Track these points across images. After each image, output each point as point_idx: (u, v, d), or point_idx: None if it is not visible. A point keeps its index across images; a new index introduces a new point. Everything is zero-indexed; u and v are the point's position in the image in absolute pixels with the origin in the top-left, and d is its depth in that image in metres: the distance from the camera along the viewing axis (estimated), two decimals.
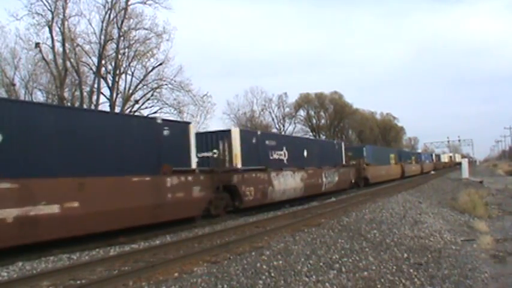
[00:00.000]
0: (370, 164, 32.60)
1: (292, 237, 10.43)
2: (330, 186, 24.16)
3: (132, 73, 33.89)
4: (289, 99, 68.62)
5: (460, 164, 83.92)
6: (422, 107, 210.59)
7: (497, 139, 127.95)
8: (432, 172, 57.93)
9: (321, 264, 8.57)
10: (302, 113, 73.03)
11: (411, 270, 9.26)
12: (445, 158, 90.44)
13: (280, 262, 8.29)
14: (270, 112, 65.88)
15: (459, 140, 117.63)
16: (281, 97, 67.05)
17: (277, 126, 66.51)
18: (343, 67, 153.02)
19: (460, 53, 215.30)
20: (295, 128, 69.75)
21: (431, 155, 73.74)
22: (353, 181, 28.92)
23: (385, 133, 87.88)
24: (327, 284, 7.60)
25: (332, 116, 74.74)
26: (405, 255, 10.34)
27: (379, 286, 8.09)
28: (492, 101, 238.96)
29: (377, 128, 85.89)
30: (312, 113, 74.33)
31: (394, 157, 41.38)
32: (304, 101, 72.10)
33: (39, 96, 33.00)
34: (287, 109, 68.94)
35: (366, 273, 8.55)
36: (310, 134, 71.31)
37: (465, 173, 41.44)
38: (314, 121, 74.54)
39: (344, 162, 27.33)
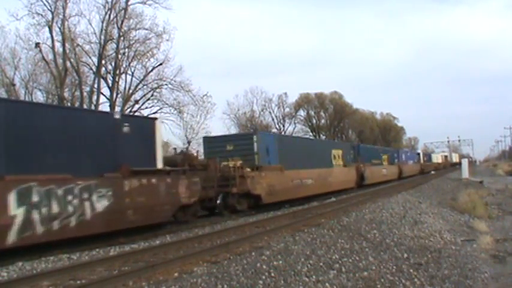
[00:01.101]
0: (267, 167, 18.10)
1: (292, 237, 10.43)
2: (61, 227, 10.03)
3: (132, 73, 33.90)
4: (289, 99, 68.60)
5: (456, 164, 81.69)
6: (422, 107, 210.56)
7: (497, 139, 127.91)
8: (432, 172, 57.44)
9: (321, 264, 8.57)
10: (302, 113, 73.04)
11: (411, 270, 9.26)
12: (437, 158, 76.79)
13: (280, 262, 8.29)
14: (270, 112, 65.81)
15: (459, 140, 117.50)
16: (281, 97, 67.02)
17: (277, 126, 66.53)
18: (343, 67, 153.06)
19: (460, 53, 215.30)
20: (295, 128, 69.78)
21: (419, 154, 60.23)
22: (211, 204, 15.62)
23: (385, 133, 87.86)
24: (327, 284, 7.60)
25: (332, 116, 74.71)
26: (405, 255, 10.35)
27: (379, 286, 8.09)
28: (492, 101, 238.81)
29: (377, 128, 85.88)
30: (312, 113, 74.32)
31: (340, 155, 26.81)
32: (304, 101, 72.07)
33: (39, 96, 33.06)
34: (287, 109, 68.92)
35: (366, 273, 8.55)
36: (310, 134, 71.34)
37: (465, 173, 41.47)
38: (314, 121, 74.51)
39: (160, 165, 13.17)
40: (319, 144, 29.41)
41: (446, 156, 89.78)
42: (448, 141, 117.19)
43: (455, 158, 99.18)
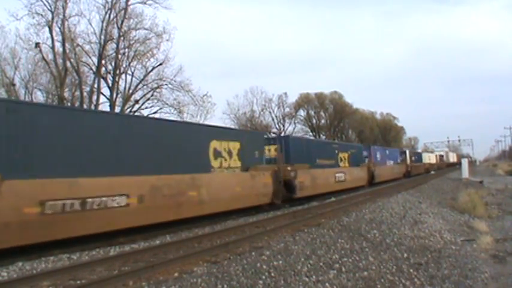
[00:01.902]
0: None
1: (292, 237, 10.44)
2: None
3: (132, 73, 33.96)
4: (289, 99, 68.65)
5: (456, 164, 78.92)
6: (422, 107, 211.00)
7: (497, 139, 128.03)
8: (432, 172, 57.02)
9: (321, 264, 8.57)
10: (302, 113, 73.13)
11: (411, 270, 9.26)
12: (430, 158, 64.12)
13: (280, 262, 8.29)
14: (270, 112, 65.86)
15: (459, 140, 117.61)
16: (281, 97, 67.06)
17: (277, 126, 66.57)
18: (343, 67, 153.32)
19: (460, 53, 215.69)
20: (295, 128, 69.78)
21: (405, 152, 47.83)
22: None
23: (385, 133, 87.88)
24: (327, 284, 7.60)
25: (332, 116, 74.75)
26: (405, 255, 10.35)
27: (379, 286, 8.09)
28: (492, 101, 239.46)
29: (377, 128, 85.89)
30: (312, 113, 74.39)
31: (236, 152, 16.20)
32: (304, 101, 72.13)
33: (39, 96, 33.09)
34: (287, 109, 68.95)
35: (366, 273, 8.55)
36: (310, 134, 71.34)
37: (465, 173, 41.47)
38: (314, 121, 74.57)
39: None
40: (170, 130, 13.88)
41: (442, 156, 79.25)
42: (448, 141, 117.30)
43: (453, 158, 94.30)
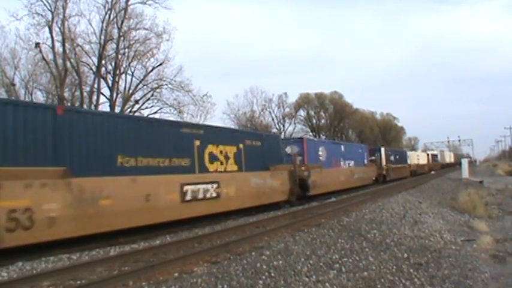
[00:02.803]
0: None
1: (292, 237, 10.43)
2: None
3: (132, 73, 33.97)
4: (289, 99, 68.69)
5: (455, 165, 76.43)
6: (422, 107, 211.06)
7: (497, 139, 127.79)
8: (432, 172, 56.82)
9: (321, 264, 8.57)
10: (302, 113, 73.16)
11: (411, 270, 9.25)
12: (418, 158, 53.57)
13: (280, 262, 8.29)
14: (270, 112, 65.88)
15: (459, 140, 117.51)
16: (281, 97, 67.09)
17: (277, 126, 66.56)
18: (343, 67, 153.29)
19: (460, 53, 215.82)
20: (295, 128, 69.76)
21: (379, 150, 37.24)
22: None
23: (385, 133, 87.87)
24: (327, 284, 7.60)
25: (332, 116, 74.76)
26: (405, 255, 10.35)
27: (379, 286, 8.09)
28: (492, 101, 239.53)
29: (377, 128, 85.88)
30: (312, 113, 74.41)
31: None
32: (304, 101, 72.14)
33: (39, 96, 33.09)
34: (287, 109, 68.97)
35: (366, 273, 8.55)
36: (310, 134, 71.33)
37: (465, 173, 41.46)
38: (314, 121, 74.59)
39: None
40: None
41: (435, 156, 69.18)
42: (448, 141, 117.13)
43: (449, 158, 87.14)
